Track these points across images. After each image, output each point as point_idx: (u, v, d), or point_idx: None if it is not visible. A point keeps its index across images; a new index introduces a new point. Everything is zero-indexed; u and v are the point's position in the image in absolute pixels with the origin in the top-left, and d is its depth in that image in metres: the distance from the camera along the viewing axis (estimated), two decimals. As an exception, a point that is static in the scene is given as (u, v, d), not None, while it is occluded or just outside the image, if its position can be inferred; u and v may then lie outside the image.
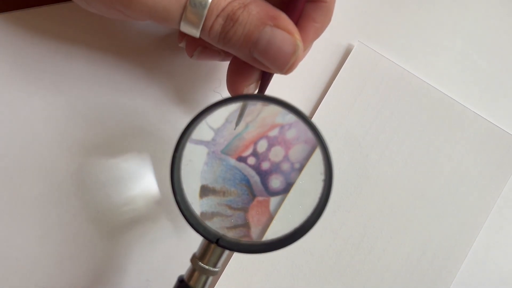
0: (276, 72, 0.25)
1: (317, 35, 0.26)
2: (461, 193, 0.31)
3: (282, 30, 0.23)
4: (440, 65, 0.33)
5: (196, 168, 0.30)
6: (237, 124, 0.30)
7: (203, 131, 0.30)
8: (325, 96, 0.32)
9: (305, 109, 0.32)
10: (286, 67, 0.24)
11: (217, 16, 0.22)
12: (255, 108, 0.31)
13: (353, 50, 0.32)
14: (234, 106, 0.31)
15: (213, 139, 0.30)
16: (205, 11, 0.22)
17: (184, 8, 0.22)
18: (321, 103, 0.32)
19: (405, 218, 0.31)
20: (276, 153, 0.31)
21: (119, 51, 0.31)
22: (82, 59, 0.31)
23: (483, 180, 0.32)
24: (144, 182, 0.31)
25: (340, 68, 0.32)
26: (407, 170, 0.32)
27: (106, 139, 0.31)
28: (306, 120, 0.22)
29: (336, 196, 0.31)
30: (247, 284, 0.30)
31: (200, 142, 0.30)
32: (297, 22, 0.24)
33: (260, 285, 0.30)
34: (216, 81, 0.32)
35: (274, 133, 0.31)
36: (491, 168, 0.32)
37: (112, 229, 0.30)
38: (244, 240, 0.24)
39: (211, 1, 0.22)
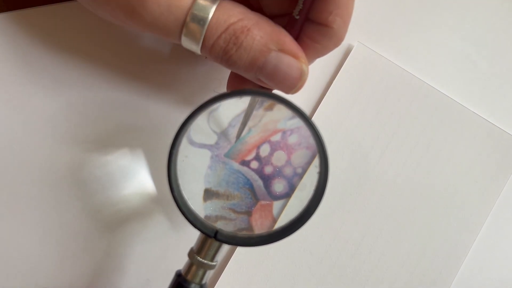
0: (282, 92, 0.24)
1: (317, 55, 0.25)
2: (461, 193, 0.31)
3: (287, 55, 0.22)
4: (440, 65, 0.33)
5: (199, 171, 0.30)
6: (238, 133, 0.30)
7: (206, 135, 0.31)
8: (325, 96, 0.32)
9: (305, 109, 0.32)
10: (293, 90, 0.24)
11: (218, 37, 0.22)
12: (257, 113, 0.31)
13: (352, 51, 0.32)
14: (238, 110, 0.31)
15: (217, 143, 0.31)
16: (204, 31, 0.22)
17: (183, 26, 0.22)
18: (321, 103, 0.32)
19: (405, 218, 0.31)
20: (279, 158, 0.31)
21: (118, 51, 0.31)
22: (81, 58, 0.31)
23: (483, 180, 0.32)
24: (139, 179, 0.31)
25: (340, 68, 0.32)
26: (407, 170, 0.32)
27: (102, 135, 0.31)
28: (296, 109, 0.21)
29: (336, 196, 0.31)
30: (248, 284, 0.30)
31: (203, 146, 0.30)
32: (297, 37, 0.23)
33: (260, 285, 0.30)
34: (215, 81, 0.32)
35: (276, 138, 0.31)
36: (491, 168, 0.32)
37: (111, 228, 0.30)
38: (241, 233, 0.24)
39: (210, 21, 0.22)
